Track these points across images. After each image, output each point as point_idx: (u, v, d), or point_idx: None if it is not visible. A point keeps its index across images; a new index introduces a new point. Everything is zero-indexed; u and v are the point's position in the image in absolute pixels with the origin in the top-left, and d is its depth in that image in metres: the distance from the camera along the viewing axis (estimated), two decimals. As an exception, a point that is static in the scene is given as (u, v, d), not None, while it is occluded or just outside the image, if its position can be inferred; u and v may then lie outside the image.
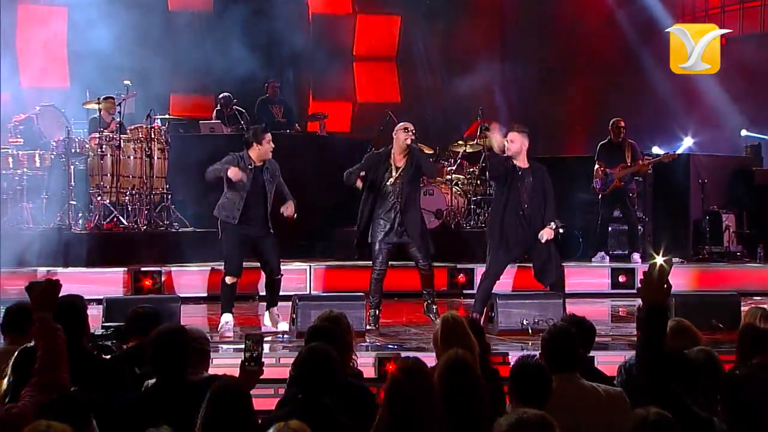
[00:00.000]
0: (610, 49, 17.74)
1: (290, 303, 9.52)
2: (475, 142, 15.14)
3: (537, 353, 5.17)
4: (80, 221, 12.88)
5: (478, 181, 14.60)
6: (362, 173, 9.86)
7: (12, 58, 14.99)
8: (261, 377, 4.76)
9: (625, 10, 17.61)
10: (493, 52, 18.88)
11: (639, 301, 4.31)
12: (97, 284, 11.18)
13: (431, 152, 14.02)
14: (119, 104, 13.28)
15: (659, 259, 4.30)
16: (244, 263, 9.67)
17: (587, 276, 13.00)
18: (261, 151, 9.42)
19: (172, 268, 12.13)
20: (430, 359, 5.18)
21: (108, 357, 6.07)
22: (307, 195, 13.70)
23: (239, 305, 10.30)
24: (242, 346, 4.78)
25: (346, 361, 5.45)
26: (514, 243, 9.58)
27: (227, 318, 9.45)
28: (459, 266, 12.67)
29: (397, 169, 9.72)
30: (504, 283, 11.42)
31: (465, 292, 12.46)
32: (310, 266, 12.54)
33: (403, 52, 18.96)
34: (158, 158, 13.29)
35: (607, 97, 17.11)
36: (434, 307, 9.91)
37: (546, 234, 9.50)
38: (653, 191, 14.54)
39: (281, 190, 9.59)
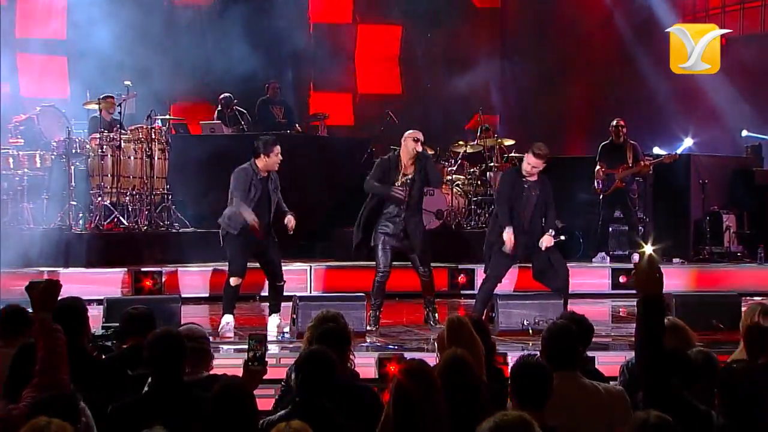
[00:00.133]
0: (610, 50, 17.74)
1: (291, 303, 9.54)
2: (476, 142, 15.15)
3: (537, 353, 5.18)
4: (81, 221, 12.88)
5: (479, 182, 14.61)
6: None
7: (11, 56, 14.97)
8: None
9: (624, 10, 17.61)
10: (494, 53, 18.90)
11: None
12: (98, 284, 11.18)
13: (432, 153, 14.02)
14: (119, 104, 13.27)
15: (648, 248, 4.27)
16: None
17: (588, 276, 13.00)
18: (268, 162, 9.41)
19: (173, 269, 12.13)
20: (430, 359, 5.19)
21: (104, 357, 6.07)
22: (307, 195, 13.76)
23: (240, 305, 10.29)
24: (243, 345, 4.80)
25: (345, 361, 5.46)
26: (516, 247, 9.61)
27: (228, 319, 9.46)
28: (459, 267, 12.66)
29: (405, 176, 9.75)
30: (505, 284, 11.46)
31: (465, 292, 12.47)
32: (310, 266, 12.54)
33: (405, 55, 18.97)
34: (159, 159, 13.28)
35: (608, 97, 17.11)
36: (434, 315, 9.95)
37: (545, 241, 9.57)
38: (653, 191, 14.54)
39: (278, 203, 9.61)
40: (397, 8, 18.70)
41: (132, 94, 13.74)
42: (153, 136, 13.19)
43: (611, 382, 5.52)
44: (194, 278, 12.07)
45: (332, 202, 15.00)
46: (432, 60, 18.71)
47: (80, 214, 12.92)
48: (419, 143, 9.75)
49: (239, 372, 4.75)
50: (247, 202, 9.35)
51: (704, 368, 4.57)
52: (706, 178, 14.43)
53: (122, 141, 13.03)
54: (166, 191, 13.35)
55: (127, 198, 13.00)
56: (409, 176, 9.72)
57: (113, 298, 9.42)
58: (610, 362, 7.56)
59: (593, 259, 13.71)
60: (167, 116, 14.25)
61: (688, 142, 15.56)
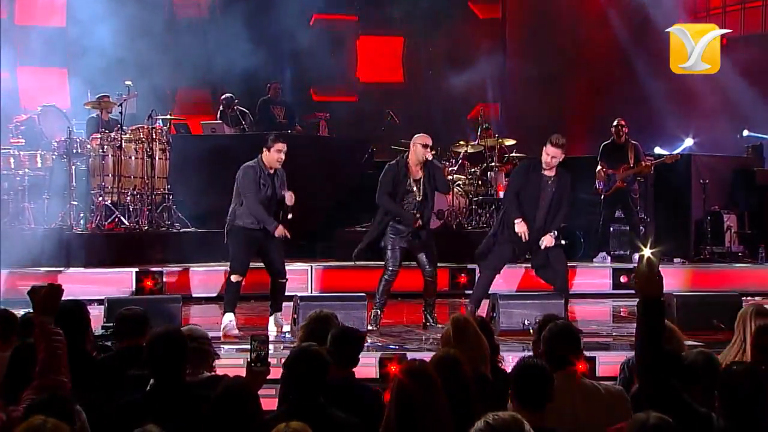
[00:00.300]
0: (610, 50, 17.73)
1: (292, 303, 9.54)
2: (476, 142, 15.15)
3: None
4: (82, 221, 12.88)
5: (480, 182, 14.60)
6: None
7: (10, 54, 14.96)
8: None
9: (624, 10, 17.60)
10: (495, 54, 18.88)
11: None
12: (99, 284, 11.19)
13: (433, 153, 14.00)
14: (120, 104, 13.28)
15: (647, 251, 4.27)
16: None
17: (589, 276, 13.01)
18: (269, 158, 9.43)
19: (177, 268, 12.14)
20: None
21: (102, 357, 6.07)
22: (308, 195, 13.70)
23: (240, 305, 10.28)
24: (244, 345, 4.79)
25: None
26: (522, 241, 9.61)
27: (230, 317, 9.47)
28: (460, 267, 12.65)
29: (414, 180, 9.80)
30: (505, 284, 11.48)
31: (466, 292, 12.46)
32: (311, 266, 12.54)
33: (406, 57, 18.99)
34: (160, 158, 13.28)
35: (608, 97, 17.10)
36: (433, 316, 9.98)
37: (546, 241, 9.56)
38: (654, 192, 14.54)
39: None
40: (399, 19, 18.66)
41: (133, 94, 13.74)
42: (154, 136, 13.19)
43: (611, 382, 5.52)
44: (195, 278, 12.08)
45: (333, 202, 15.02)
46: (433, 60, 18.70)
47: (81, 214, 12.93)
48: (428, 149, 9.79)
49: (241, 371, 4.75)
50: (260, 198, 9.37)
51: (705, 369, 4.56)
52: (707, 178, 14.43)
53: (123, 141, 13.03)
54: (167, 191, 13.35)
55: (128, 198, 13.00)
56: (419, 180, 9.78)
57: (114, 298, 9.42)
58: (610, 362, 7.57)
59: (594, 259, 13.71)
60: (168, 116, 14.25)
61: (688, 142, 15.56)
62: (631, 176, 13.73)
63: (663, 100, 16.69)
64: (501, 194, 13.89)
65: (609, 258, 13.76)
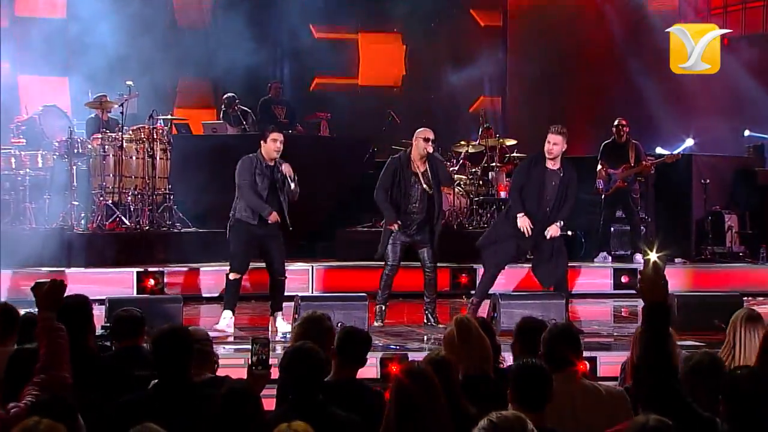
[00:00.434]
0: (610, 50, 17.72)
1: (293, 303, 9.54)
2: (477, 142, 15.15)
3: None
4: (82, 221, 12.88)
5: (481, 182, 14.60)
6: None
7: (10, 51, 14.96)
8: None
9: (624, 10, 17.60)
10: (496, 53, 18.88)
11: (641, 302, 4.30)
12: (100, 284, 11.18)
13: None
14: (122, 104, 13.28)
15: (653, 256, 4.29)
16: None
17: (590, 276, 13.01)
18: (266, 148, 9.49)
19: (175, 268, 12.14)
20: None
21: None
22: (309, 195, 13.69)
23: (242, 305, 10.29)
24: (243, 346, 4.80)
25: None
26: (525, 237, 9.61)
27: (228, 315, 9.49)
28: (461, 267, 12.65)
29: (417, 174, 9.82)
30: (507, 285, 11.47)
31: (468, 292, 12.47)
32: (312, 266, 12.54)
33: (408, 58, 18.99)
34: (161, 158, 13.28)
35: (609, 97, 17.09)
36: (434, 315, 10.01)
37: (551, 230, 9.54)
38: (655, 191, 14.53)
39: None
40: (399, 22, 18.63)
41: (134, 94, 13.75)
42: (155, 136, 13.19)
43: (612, 383, 5.52)
44: (196, 278, 12.09)
45: (334, 202, 15.01)
46: (434, 61, 18.69)
47: (82, 214, 12.93)
48: (429, 143, 9.82)
49: (241, 372, 4.75)
50: (255, 189, 9.39)
51: (709, 370, 4.55)
52: (708, 178, 14.42)
53: (124, 141, 13.03)
54: (168, 191, 13.34)
55: (129, 198, 13.00)
56: (423, 174, 9.80)
57: (115, 297, 9.41)
58: (611, 362, 7.57)
59: (595, 259, 13.70)
60: (169, 116, 14.26)
61: (689, 142, 15.55)
62: (632, 176, 13.73)
63: (663, 100, 16.69)
64: (502, 194, 13.90)
65: (610, 258, 13.76)
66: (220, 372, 5.54)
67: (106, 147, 12.98)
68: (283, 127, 15.33)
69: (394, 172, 9.87)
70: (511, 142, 15.26)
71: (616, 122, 13.82)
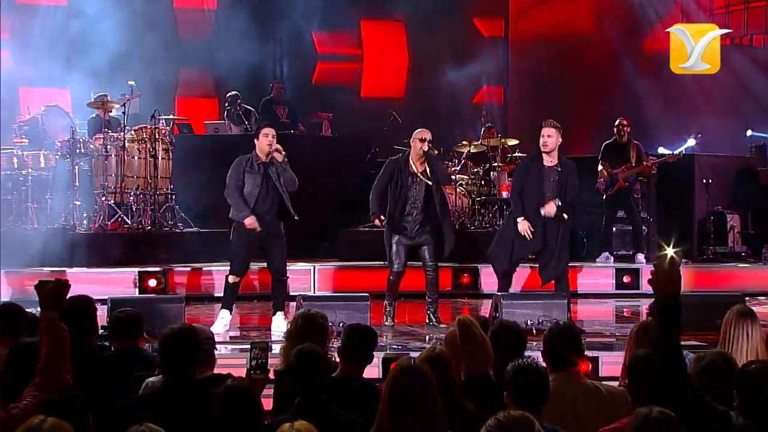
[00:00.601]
0: (612, 49, 17.72)
1: (295, 303, 9.55)
2: (479, 142, 15.14)
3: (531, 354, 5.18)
4: (85, 221, 12.90)
5: (482, 182, 14.59)
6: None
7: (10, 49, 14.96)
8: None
9: (625, 10, 17.60)
10: (497, 53, 18.88)
11: (643, 302, 4.30)
12: (102, 284, 11.18)
13: (435, 153, 13.99)
14: (123, 104, 13.29)
15: (670, 251, 4.31)
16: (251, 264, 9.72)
17: (591, 276, 13.00)
18: (259, 145, 9.56)
19: (177, 268, 12.15)
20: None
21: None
22: (311, 195, 13.72)
23: (243, 305, 10.31)
24: (245, 346, 4.80)
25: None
26: (527, 240, 9.62)
27: (224, 315, 9.55)
28: (463, 267, 12.65)
29: (416, 174, 9.85)
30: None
31: (469, 292, 12.48)
32: (314, 266, 12.55)
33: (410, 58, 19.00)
34: (162, 158, 13.29)
35: (609, 97, 17.09)
36: (436, 316, 10.03)
37: (548, 207, 9.55)
38: (657, 191, 14.51)
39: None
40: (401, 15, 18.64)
41: (136, 94, 13.75)
42: (157, 136, 13.20)
43: (614, 382, 5.51)
44: (198, 278, 12.10)
45: (336, 202, 15.02)
46: (435, 62, 18.69)
47: (84, 214, 12.94)
48: (426, 143, 9.84)
49: (242, 372, 4.75)
50: (240, 189, 9.42)
51: (721, 369, 4.55)
52: (710, 177, 14.42)
53: (126, 141, 13.04)
54: (169, 191, 13.35)
55: (131, 198, 13.01)
56: (421, 173, 9.82)
57: (117, 297, 9.42)
58: (614, 362, 7.56)
59: (597, 260, 13.69)
60: (171, 116, 14.26)
61: (690, 142, 15.56)
62: (633, 176, 13.72)
63: (665, 99, 16.69)
64: (504, 194, 13.89)
65: (612, 258, 13.74)
66: (222, 371, 5.53)
67: (108, 147, 12.99)
68: (285, 127, 15.42)
69: (391, 173, 9.90)
70: (513, 142, 15.25)
71: (617, 122, 13.81)
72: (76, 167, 12.94)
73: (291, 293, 9.95)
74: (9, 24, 14.85)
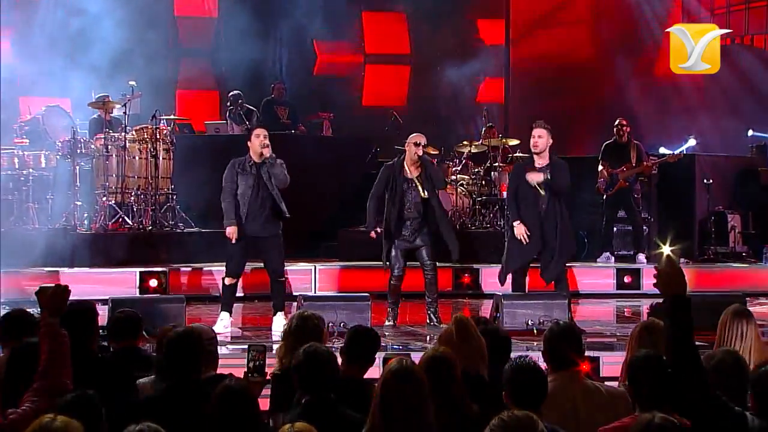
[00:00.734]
0: (612, 49, 17.72)
1: (296, 303, 9.55)
2: (480, 142, 15.14)
3: (528, 354, 5.18)
4: (85, 221, 12.90)
5: (483, 182, 14.59)
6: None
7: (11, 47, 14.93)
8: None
9: (625, 10, 17.60)
10: (497, 52, 18.87)
11: (644, 302, 4.30)
12: (103, 284, 11.20)
13: (436, 153, 14.03)
14: (124, 105, 13.28)
15: (666, 249, 4.30)
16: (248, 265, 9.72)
17: (592, 276, 13.01)
18: (252, 146, 9.59)
19: (178, 268, 12.14)
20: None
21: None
22: (311, 195, 13.76)
23: (245, 305, 10.31)
24: (242, 346, 4.80)
25: None
26: (530, 237, 9.62)
27: (224, 316, 9.58)
28: (464, 267, 12.64)
29: (411, 179, 9.87)
30: (508, 285, 11.45)
31: (470, 292, 12.49)
32: (315, 266, 12.55)
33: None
34: (163, 158, 13.29)
35: (610, 96, 17.09)
36: (437, 315, 10.05)
37: (532, 174, 9.55)
38: (658, 191, 14.52)
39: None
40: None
41: (137, 94, 13.75)
42: (158, 136, 13.20)
43: (615, 383, 5.51)
44: (198, 278, 12.10)
45: (337, 202, 15.01)
46: (436, 61, 18.69)
47: (85, 214, 12.94)
48: (420, 147, 9.87)
49: (241, 372, 4.76)
50: (233, 194, 9.47)
51: (732, 369, 4.54)
52: (711, 177, 14.41)
53: (127, 141, 13.04)
54: (170, 191, 13.35)
55: (132, 198, 13.01)
56: (416, 177, 9.83)
57: (118, 298, 9.43)
58: (614, 362, 7.56)
59: (598, 260, 13.69)
60: (172, 116, 14.25)
61: (691, 142, 15.56)
62: (634, 176, 13.72)
63: (666, 99, 16.68)
64: (504, 194, 13.88)
65: (613, 258, 13.75)
66: (223, 371, 5.54)
67: (109, 147, 13.00)
68: (286, 128, 15.43)
69: (387, 179, 9.93)
70: (514, 141, 15.23)
71: (617, 122, 13.82)
72: (77, 167, 12.94)
73: (292, 293, 9.94)
74: (10, 21, 14.81)
